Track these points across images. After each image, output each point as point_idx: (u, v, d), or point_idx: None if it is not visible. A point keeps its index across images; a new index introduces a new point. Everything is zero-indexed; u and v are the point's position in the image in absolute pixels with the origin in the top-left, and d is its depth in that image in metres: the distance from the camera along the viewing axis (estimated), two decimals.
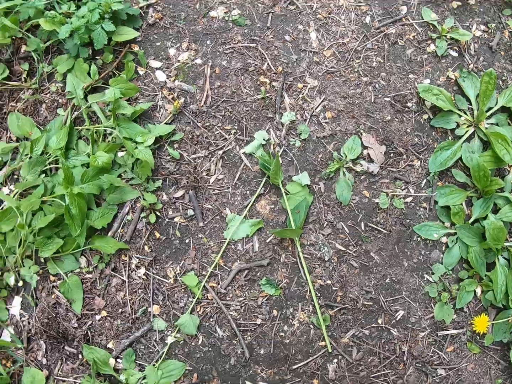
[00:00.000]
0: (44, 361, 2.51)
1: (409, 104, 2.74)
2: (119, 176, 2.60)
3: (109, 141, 2.61)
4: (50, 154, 2.59)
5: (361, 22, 2.84)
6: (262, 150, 2.62)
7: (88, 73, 2.67)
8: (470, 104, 2.81)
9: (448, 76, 2.83)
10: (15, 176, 2.67)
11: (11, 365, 2.50)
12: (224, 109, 2.66)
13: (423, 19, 2.90)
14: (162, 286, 2.54)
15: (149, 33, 2.78)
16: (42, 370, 2.48)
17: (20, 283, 2.54)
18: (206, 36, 2.77)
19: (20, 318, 2.54)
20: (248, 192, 2.59)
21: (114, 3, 2.62)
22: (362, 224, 2.59)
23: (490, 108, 2.80)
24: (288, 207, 2.53)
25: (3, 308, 2.56)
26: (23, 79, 2.75)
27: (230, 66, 2.72)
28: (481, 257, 2.59)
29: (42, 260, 2.55)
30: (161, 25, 2.79)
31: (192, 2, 2.82)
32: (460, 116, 2.76)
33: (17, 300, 2.57)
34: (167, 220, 2.58)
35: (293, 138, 2.64)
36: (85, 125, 2.63)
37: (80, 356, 2.49)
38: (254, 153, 2.62)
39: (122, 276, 2.54)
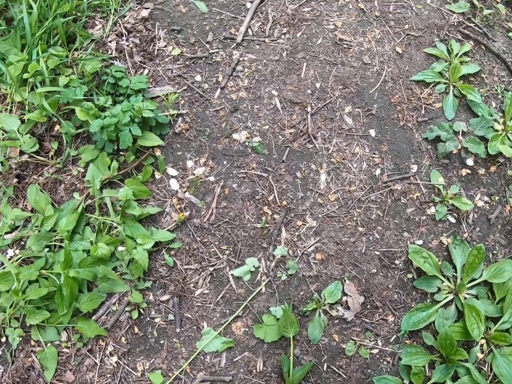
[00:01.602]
0: None
1: (397, 262, 3.21)
2: (115, 268, 3.10)
3: (112, 234, 3.12)
4: (58, 233, 3.11)
5: (370, 173, 3.33)
6: (249, 276, 3.11)
7: (109, 167, 3.20)
8: (456, 271, 3.26)
9: (441, 240, 3.30)
10: (22, 243, 3.18)
11: None
12: (224, 229, 3.16)
13: (430, 181, 3.38)
14: (129, 376, 3.01)
15: (173, 141, 3.31)
16: None
17: (3, 339, 3.05)
18: (224, 156, 3.29)
19: None
20: (227, 311, 3.08)
21: (146, 111, 3.15)
22: (325, 365, 3.05)
23: (474, 279, 3.26)
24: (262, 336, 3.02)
25: None
26: (50, 156, 3.29)
27: (239, 190, 3.23)
28: None
29: (28, 324, 3.04)
30: (186, 136, 3.32)
31: (219, 120, 3.35)
32: (443, 282, 3.22)
33: None
34: (148, 318, 3.07)
35: (281, 272, 3.12)
36: (95, 214, 3.14)
37: None
38: (242, 277, 3.11)
39: (96, 359, 3.03)
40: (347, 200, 3.28)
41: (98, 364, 3.03)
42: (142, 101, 3.20)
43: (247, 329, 3.07)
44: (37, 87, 3.26)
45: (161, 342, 3.05)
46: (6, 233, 3.20)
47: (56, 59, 3.31)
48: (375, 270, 3.19)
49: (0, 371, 3.03)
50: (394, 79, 3.58)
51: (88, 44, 3.50)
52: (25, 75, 3.23)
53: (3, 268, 3.11)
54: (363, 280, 3.17)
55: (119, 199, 3.16)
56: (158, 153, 3.30)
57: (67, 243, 3.04)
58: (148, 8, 3.63)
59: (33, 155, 3.29)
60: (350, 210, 3.26)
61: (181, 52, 3.52)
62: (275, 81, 3.49)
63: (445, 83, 3.65)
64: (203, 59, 3.52)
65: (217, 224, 3.19)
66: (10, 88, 3.40)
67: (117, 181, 3.22)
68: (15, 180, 3.27)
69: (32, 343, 3.05)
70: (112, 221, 3.13)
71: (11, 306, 3.00)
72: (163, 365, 3.02)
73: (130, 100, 3.22)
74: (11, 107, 3.39)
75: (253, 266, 3.14)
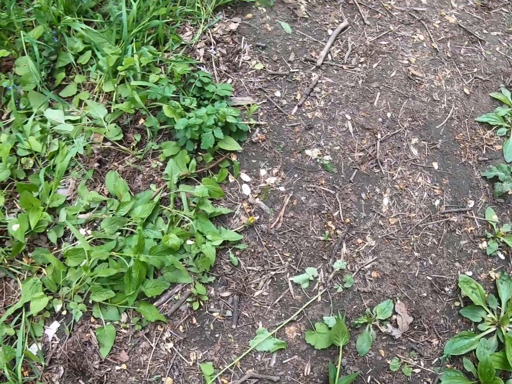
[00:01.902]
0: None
1: (447, 289, 3.41)
2: (181, 260, 3.30)
3: (183, 228, 3.33)
4: (132, 219, 3.31)
5: (430, 203, 3.55)
6: (307, 284, 3.30)
7: (187, 165, 3.42)
8: (500, 305, 3.46)
9: (489, 274, 3.50)
10: (95, 224, 3.38)
11: (28, 375, 3.15)
12: (288, 237, 3.37)
13: (485, 217, 3.59)
14: (181, 364, 3.19)
15: (249, 149, 3.53)
16: None
17: (64, 312, 3.23)
18: (295, 169, 3.51)
19: (51, 340, 3.20)
20: (283, 315, 3.27)
21: (229, 116, 3.38)
22: (369, 377, 3.23)
23: None
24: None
25: (40, 326, 3.22)
26: (131, 147, 3.51)
27: (307, 203, 3.45)
28: None
29: (90, 301, 3.23)
30: (261, 145, 3.54)
31: (294, 136, 3.58)
32: (487, 313, 3.42)
33: (55, 324, 3.24)
34: (207, 311, 3.25)
35: (337, 284, 3.32)
36: (169, 207, 3.35)
37: None
38: (300, 284, 3.31)
39: (151, 343, 3.21)
40: (406, 225, 3.50)
41: (154, 348, 3.21)
42: (226, 107, 3.43)
43: (299, 334, 3.25)
44: (128, 80, 3.50)
45: (216, 335, 3.23)
46: (80, 213, 3.41)
47: (149, 57, 3.55)
48: (425, 294, 3.39)
49: (56, 342, 3.20)
50: (460, 118, 3.83)
51: (177, 48, 3.75)
52: (119, 67, 3.47)
53: (73, 245, 3.31)
54: (414, 302, 3.37)
55: (194, 195, 3.37)
56: (234, 158, 3.52)
57: (141, 229, 3.24)
58: (236, 23, 3.89)
59: (116, 143, 3.51)
60: (408, 235, 3.47)
61: (264, 67, 3.77)
62: (349, 106, 3.74)
63: (506, 128, 3.90)
64: (284, 77, 3.78)
65: (282, 231, 3.40)
66: (99, 78, 3.64)
67: (193, 179, 3.43)
68: (96, 164, 3.48)
69: (92, 320, 3.23)
70: (184, 215, 3.33)
71: (77, 281, 3.19)
72: (215, 358, 3.20)
73: (215, 105, 3.45)
74: (99, 96, 3.63)
75: (312, 276, 3.33)
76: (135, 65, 3.49)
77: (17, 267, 3.27)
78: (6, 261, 3.28)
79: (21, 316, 3.19)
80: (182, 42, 3.75)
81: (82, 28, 3.63)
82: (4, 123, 3.62)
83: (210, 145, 3.34)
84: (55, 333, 3.21)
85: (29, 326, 3.19)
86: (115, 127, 3.52)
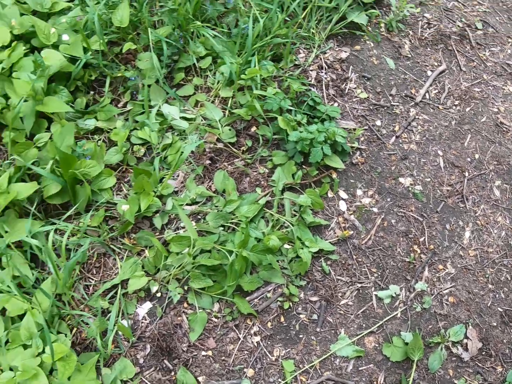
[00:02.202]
0: (141, 361, 3.36)
1: None
2: (277, 261, 3.58)
3: (283, 232, 3.62)
4: (236, 216, 3.60)
5: (507, 241, 3.88)
6: (389, 300, 3.60)
7: (293, 175, 3.73)
8: None
9: None
10: (198, 217, 3.66)
11: (113, 348, 3.39)
12: (377, 255, 3.68)
13: None
14: (264, 358, 3.46)
15: (349, 169, 3.86)
16: (135, 366, 3.38)
17: (158, 294, 3.49)
18: (389, 194, 3.83)
19: (141, 319, 3.46)
20: (364, 325, 3.55)
21: (339, 136, 3.70)
22: None
23: None
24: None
25: (133, 304, 3.46)
26: (242, 151, 3.82)
27: (396, 226, 3.76)
28: None
29: (185, 288, 3.50)
30: (360, 168, 3.87)
31: (390, 163, 3.92)
32: None
33: (147, 304, 3.47)
34: (294, 312, 3.54)
35: (417, 303, 3.62)
36: (272, 211, 3.65)
37: (172, 373, 3.37)
38: (383, 299, 3.61)
39: (239, 334, 3.47)
40: (484, 258, 3.81)
41: (241, 339, 3.46)
42: (335, 127, 3.76)
43: (377, 345, 3.54)
44: (249, 89, 3.82)
45: (300, 336, 3.50)
46: (186, 204, 3.70)
47: (269, 71, 3.87)
48: (495, 324, 3.69)
49: (146, 322, 3.46)
50: None
51: (291, 67, 4.08)
52: (243, 76, 3.79)
53: (176, 233, 3.59)
54: (484, 329, 3.66)
55: (297, 203, 3.67)
56: (334, 175, 3.84)
57: (247, 228, 3.53)
58: (346, 52, 4.25)
59: (229, 145, 3.82)
60: (484, 268, 3.79)
61: (367, 97, 4.12)
62: (442, 143, 4.09)
63: None
64: (385, 108, 4.13)
65: (372, 248, 3.70)
66: (217, 83, 3.96)
67: (297, 188, 3.74)
68: (208, 162, 3.78)
69: (185, 305, 3.47)
70: (286, 220, 3.63)
71: (178, 267, 3.46)
72: (296, 356, 3.46)
73: (324, 124, 3.77)
74: (214, 99, 3.94)
75: (395, 293, 3.63)
76: (256, 76, 3.81)
77: (118, 246, 3.54)
78: (108, 239, 3.56)
79: (116, 292, 3.43)
80: (296, 63, 4.09)
81: (209, 34, 3.95)
82: (121, 110, 3.93)
83: (318, 160, 3.65)
84: (146, 313, 3.44)
85: (123, 303, 3.43)
86: (230, 130, 3.83)
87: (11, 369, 3.08)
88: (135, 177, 3.57)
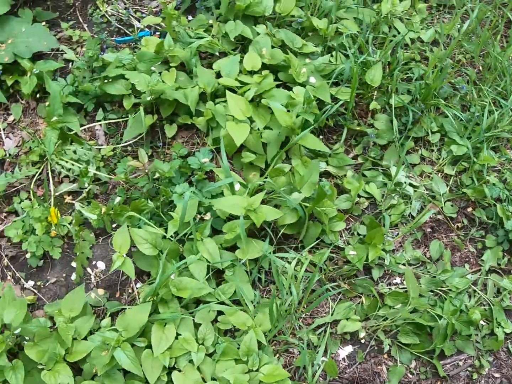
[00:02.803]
0: None
1: None
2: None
3: (484, 309, 4.07)
4: (447, 286, 3.99)
5: None
6: None
7: (497, 259, 4.19)
8: None
9: None
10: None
11: None
12: None
13: None
14: None
15: None
16: None
17: (363, 341, 3.86)
18: None
19: (341, 360, 3.79)
20: None
21: None
22: None
23: None
24: None
25: (337, 345, 3.78)
26: (457, 226, 4.25)
27: None
28: None
29: (388, 340, 3.92)
30: None
31: None
32: None
33: (349, 348, 3.77)
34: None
35: None
36: (477, 287, 4.09)
37: None
38: None
39: None
40: None
41: None
42: None
43: None
44: (478, 173, 4.30)
45: None
46: (402, 264, 4.12)
47: (496, 160, 4.33)
48: None
49: (345, 364, 3.73)
50: None
51: (504, 160, 4.55)
52: (478, 163, 4.27)
53: (389, 288, 4.01)
54: None
55: (500, 286, 4.11)
56: None
57: (454, 298, 3.97)
58: None
59: (449, 219, 4.26)
60: None
61: None
62: None
63: None
64: None
65: None
66: (442, 159, 4.40)
67: (500, 272, 4.18)
68: (429, 230, 4.21)
69: (386, 356, 3.81)
70: (487, 299, 4.05)
71: (390, 319, 3.85)
72: None
73: None
74: (436, 173, 4.37)
75: None
76: (489, 163, 4.28)
77: (332, 286, 3.91)
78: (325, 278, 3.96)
79: (324, 330, 3.83)
80: (507, 156, 4.55)
81: (450, 114, 4.39)
82: (354, 162, 4.35)
83: None
84: (346, 355, 3.82)
85: (329, 341, 3.81)
86: (452, 205, 4.27)
87: (213, 379, 3.41)
88: (370, 228, 3.96)
